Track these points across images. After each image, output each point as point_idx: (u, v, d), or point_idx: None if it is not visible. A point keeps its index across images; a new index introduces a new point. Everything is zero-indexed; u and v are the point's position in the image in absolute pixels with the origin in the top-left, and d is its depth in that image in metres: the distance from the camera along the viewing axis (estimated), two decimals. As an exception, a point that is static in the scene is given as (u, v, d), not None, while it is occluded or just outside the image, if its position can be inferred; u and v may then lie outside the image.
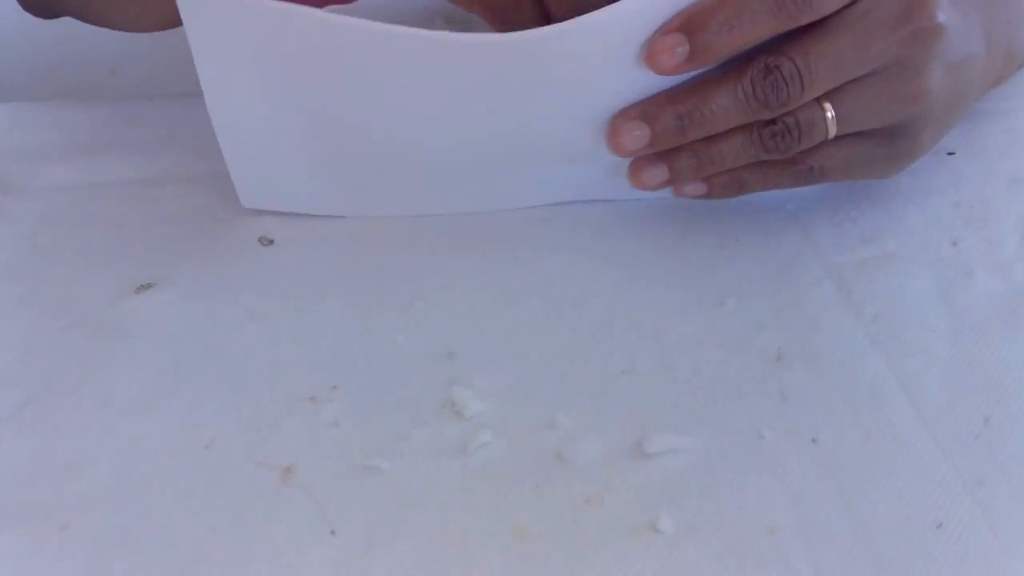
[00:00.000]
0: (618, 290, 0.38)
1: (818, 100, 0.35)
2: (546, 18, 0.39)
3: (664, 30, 0.34)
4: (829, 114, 0.35)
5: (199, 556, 0.28)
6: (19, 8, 0.50)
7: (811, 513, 0.29)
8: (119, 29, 0.48)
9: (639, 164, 0.37)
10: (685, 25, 0.33)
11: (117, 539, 0.29)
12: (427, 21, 0.41)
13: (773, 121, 0.35)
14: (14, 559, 0.28)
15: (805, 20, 0.34)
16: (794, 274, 0.38)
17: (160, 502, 0.30)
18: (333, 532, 0.29)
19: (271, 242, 0.40)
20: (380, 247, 0.40)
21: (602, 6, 0.33)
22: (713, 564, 0.28)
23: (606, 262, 0.39)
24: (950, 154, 0.45)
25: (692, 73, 0.35)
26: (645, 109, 0.36)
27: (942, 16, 0.34)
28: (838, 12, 0.34)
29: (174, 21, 0.36)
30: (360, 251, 0.40)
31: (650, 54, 0.34)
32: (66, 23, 0.49)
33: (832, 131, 0.36)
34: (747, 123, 0.36)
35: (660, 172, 0.37)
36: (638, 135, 0.36)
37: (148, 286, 0.38)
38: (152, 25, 0.46)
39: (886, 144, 0.38)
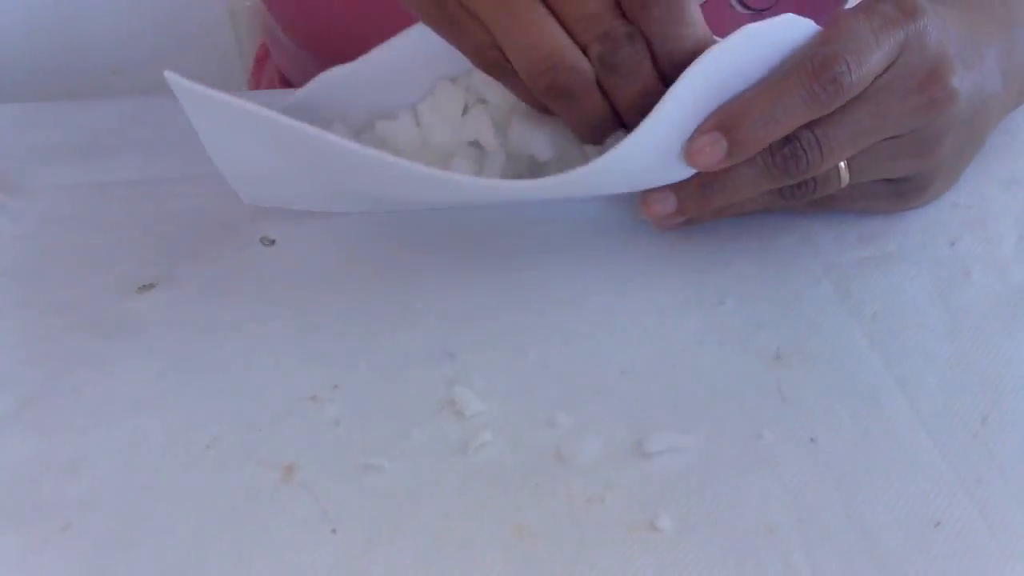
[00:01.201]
0: (618, 290, 0.38)
1: None
2: None
3: (702, 129, 0.34)
4: (842, 165, 0.36)
5: (200, 555, 0.29)
6: (20, 8, 0.50)
7: (810, 512, 0.29)
8: None
9: (648, 195, 0.38)
10: (722, 124, 0.34)
11: (118, 538, 0.29)
12: (430, 82, 0.41)
13: None
14: (16, 559, 0.28)
15: (837, 106, 0.34)
16: (793, 274, 0.38)
17: (161, 501, 0.30)
18: (334, 531, 0.29)
19: (272, 242, 0.41)
20: (380, 247, 0.40)
21: None
22: (713, 562, 0.28)
23: (606, 262, 0.39)
24: (948, 155, 0.45)
25: None
26: None
27: (956, 82, 0.35)
28: None
29: None
30: (360, 251, 0.40)
31: (689, 153, 0.34)
32: (68, 24, 0.49)
33: (845, 181, 0.37)
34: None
35: (669, 203, 0.37)
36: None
37: (150, 286, 0.38)
38: None
39: (895, 190, 0.39)
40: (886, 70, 0.35)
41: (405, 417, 0.33)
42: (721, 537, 0.29)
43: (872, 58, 0.34)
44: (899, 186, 0.39)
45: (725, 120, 0.34)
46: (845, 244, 0.40)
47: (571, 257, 0.39)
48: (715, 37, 0.34)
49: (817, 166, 0.35)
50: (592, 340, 0.36)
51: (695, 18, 0.33)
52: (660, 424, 0.32)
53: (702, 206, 0.37)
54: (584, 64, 0.33)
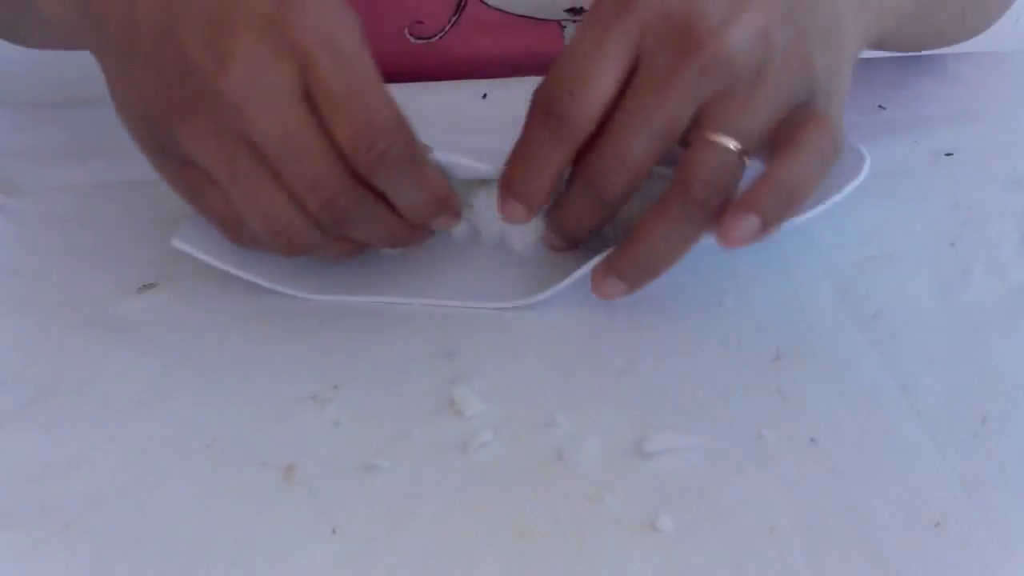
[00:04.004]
0: (618, 290, 0.38)
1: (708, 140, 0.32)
2: None
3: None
4: (732, 145, 0.32)
5: (201, 554, 0.29)
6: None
7: (810, 512, 0.29)
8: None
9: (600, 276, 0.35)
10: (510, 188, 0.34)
11: (120, 537, 0.29)
12: None
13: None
14: (17, 558, 0.28)
15: (582, 136, 0.32)
16: (793, 274, 0.38)
17: (162, 501, 0.30)
18: (334, 531, 0.29)
19: (272, 242, 0.40)
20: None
21: None
22: (713, 563, 0.28)
23: (606, 262, 0.39)
24: (948, 155, 0.45)
25: None
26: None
27: (720, 30, 0.31)
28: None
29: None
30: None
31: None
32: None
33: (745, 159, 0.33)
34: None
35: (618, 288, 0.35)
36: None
37: (151, 286, 0.38)
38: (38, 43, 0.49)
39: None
40: (636, 68, 0.32)
41: (405, 417, 0.33)
42: (721, 537, 0.29)
43: (600, 71, 0.31)
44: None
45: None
46: (845, 244, 0.40)
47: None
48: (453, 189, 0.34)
49: (626, 176, 0.32)
50: (592, 340, 0.36)
51: (428, 175, 0.33)
52: (660, 424, 0.32)
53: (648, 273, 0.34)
54: (314, 230, 0.34)
